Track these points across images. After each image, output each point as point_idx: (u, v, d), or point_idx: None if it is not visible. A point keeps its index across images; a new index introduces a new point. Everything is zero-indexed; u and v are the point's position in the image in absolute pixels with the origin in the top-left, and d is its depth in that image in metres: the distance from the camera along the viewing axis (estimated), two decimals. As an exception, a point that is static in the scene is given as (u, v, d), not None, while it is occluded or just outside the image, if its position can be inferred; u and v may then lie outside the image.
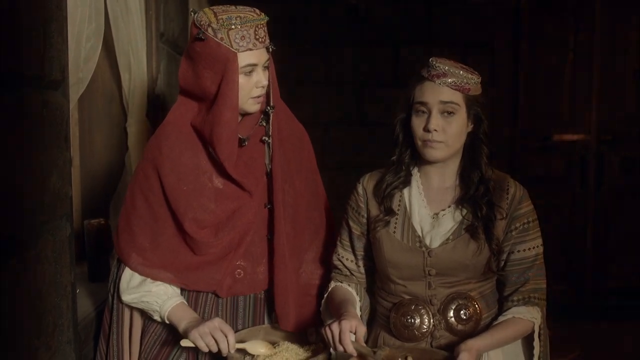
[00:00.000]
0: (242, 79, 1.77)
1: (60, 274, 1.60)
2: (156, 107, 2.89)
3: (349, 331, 1.60)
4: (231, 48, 1.74)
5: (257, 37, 1.76)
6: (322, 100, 4.69)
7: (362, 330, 1.63)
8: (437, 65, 1.73)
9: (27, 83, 1.43)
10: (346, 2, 4.70)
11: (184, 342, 1.76)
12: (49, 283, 1.54)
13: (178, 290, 1.90)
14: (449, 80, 1.72)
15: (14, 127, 1.35)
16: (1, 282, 1.30)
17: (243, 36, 1.74)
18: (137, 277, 1.88)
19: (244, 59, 1.76)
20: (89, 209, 2.63)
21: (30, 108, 1.44)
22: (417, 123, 1.77)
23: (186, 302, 1.89)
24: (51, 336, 1.56)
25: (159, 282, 1.87)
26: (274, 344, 1.86)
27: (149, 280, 1.87)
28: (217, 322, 1.74)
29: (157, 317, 1.87)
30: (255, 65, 1.78)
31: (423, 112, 1.76)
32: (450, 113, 1.73)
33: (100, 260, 2.37)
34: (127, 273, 1.88)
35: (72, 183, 1.72)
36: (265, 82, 1.81)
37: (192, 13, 1.82)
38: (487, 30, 4.75)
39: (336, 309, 1.79)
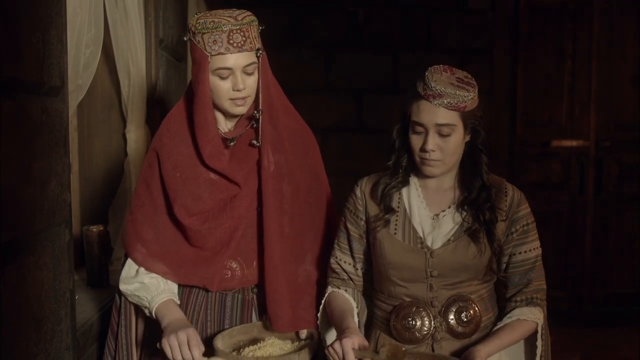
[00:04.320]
0: (217, 81, 1.82)
1: (59, 281, 1.60)
2: (155, 113, 2.89)
3: (352, 348, 1.61)
4: (204, 51, 1.80)
5: (231, 41, 1.79)
6: (321, 107, 4.69)
7: (365, 345, 1.64)
8: (433, 85, 1.71)
9: (27, 89, 1.43)
10: (346, 9, 4.71)
11: (160, 345, 1.78)
12: (48, 289, 1.54)
13: (173, 287, 1.93)
14: (445, 101, 1.71)
15: (13, 133, 1.35)
16: (0, 289, 1.30)
17: (215, 40, 1.79)
18: (134, 268, 1.91)
19: (216, 62, 1.80)
20: (88, 215, 2.63)
21: (29, 114, 1.44)
22: (415, 142, 1.77)
23: (176, 300, 1.91)
24: (50, 343, 1.55)
25: (153, 275, 1.90)
26: (263, 340, 1.90)
27: (142, 270, 1.90)
28: (185, 335, 1.74)
29: (147, 313, 1.90)
30: (229, 69, 1.81)
31: (420, 132, 1.76)
32: (447, 134, 1.74)
33: (99, 267, 2.37)
34: (127, 263, 1.93)
35: (71, 189, 1.72)
36: (242, 87, 1.82)
37: (196, 15, 1.87)
38: (486, 38, 4.77)
39: (337, 322, 1.79)
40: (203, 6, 3.70)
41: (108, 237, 2.48)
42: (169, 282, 1.92)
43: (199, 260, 1.92)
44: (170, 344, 1.74)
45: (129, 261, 1.93)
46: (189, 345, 1.73)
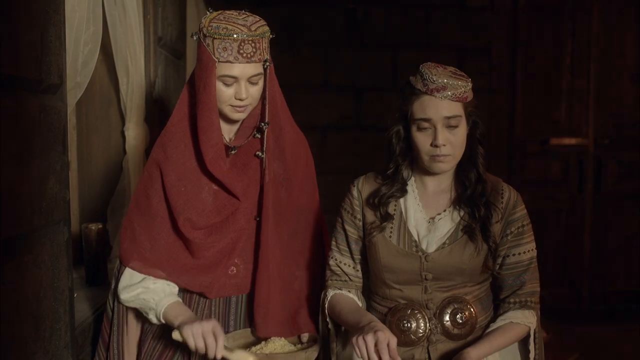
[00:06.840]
0: (221, 86, 1.80)
1: (57, 279, 1.60)
2: (154, 111, 2.89)
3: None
4: (213, 56, 1.76)
5: (241, 51, 1.76)
6: (320, 105, 4.70)
7: (395, 341, 1.60)
8: (434, 78, 1.71)
9: (25, 87, 1.43)
10: (345, 7, 4.71)
11: (175, 335, 1.77)
12: (47, 287, 1.54)
13: (175, 290, 1.91)
14: (450, 92, 1.70)
15: (11, 131, 1.35)
16: (-2, 287, 1.30)
17: (225, 47, 1.75)
18: (138, 275, 1.89)
19: (223, 69, 1.77)
20: (86, 213, 2.62)
21: (28, 112, 1.44)
22: (423, 139, 1.75)
23: (182, 302, 1.90)
24: (48, 340, 1.55)
25: (157, 281, 1.88)
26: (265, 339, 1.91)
27: (150, 278, 1.88)
28: (212, 325, 1.73)
29: (152, 317, 1.87)
30: (235, 78, 1.78)
31: (427, 128, 1.74)
32: (455, 126, 1.73)
33: (97, 265, 2.37)
34: (127, 272, 1.89)
35: (69, 187, 1.72)
36: (244, 96, 1.80)
37: (208, 12, 1.84)
38: (485, 35, 4.77)
39: (352, 318, 1.75)
40: (202, 4, 3.70)
41: (107, 235, 2.47)
42: (172, 285, 1.90)
43: (198, 269, 1.91)
44: (193, 333, 1.71)
45: (130, 270, 1.89)
46: (213, 336, 1.71)
